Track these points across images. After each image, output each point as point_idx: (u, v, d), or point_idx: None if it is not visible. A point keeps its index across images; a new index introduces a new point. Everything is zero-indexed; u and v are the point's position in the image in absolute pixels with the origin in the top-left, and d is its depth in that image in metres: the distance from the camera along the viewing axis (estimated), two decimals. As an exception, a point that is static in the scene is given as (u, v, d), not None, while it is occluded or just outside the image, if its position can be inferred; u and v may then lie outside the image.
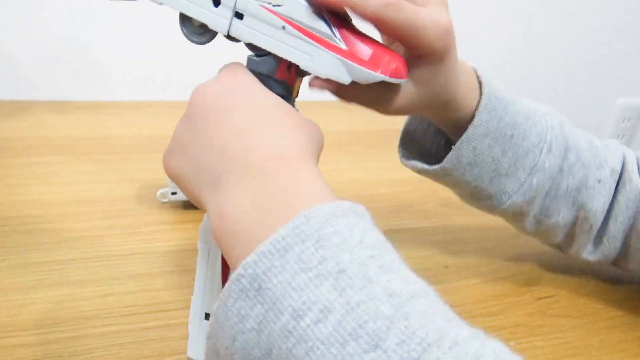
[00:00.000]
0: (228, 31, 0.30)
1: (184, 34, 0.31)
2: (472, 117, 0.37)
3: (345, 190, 0.60)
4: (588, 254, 0.43)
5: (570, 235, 0.43)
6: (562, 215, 0.42)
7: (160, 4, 0.30)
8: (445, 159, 0.39)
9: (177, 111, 0.30)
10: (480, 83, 0.38)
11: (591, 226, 0.42)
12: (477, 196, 0.41)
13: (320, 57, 0.28)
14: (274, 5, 0.28)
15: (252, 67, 0.30)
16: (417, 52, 0.32)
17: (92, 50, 0.78)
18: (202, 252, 0.31)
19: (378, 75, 0.28)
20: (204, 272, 0.31)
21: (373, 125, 0.81)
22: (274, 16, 0.28)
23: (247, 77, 0.29)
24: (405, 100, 0.34)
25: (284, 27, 0.28)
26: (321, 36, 0.28)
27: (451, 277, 0.46)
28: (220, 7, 0.29)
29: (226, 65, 0.31)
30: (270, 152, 0.25)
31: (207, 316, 0.31)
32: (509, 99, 0.39)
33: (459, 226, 0.55)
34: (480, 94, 0.38)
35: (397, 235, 0.51)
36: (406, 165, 0.42)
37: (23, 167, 0.56)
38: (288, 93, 0.31)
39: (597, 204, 0.41)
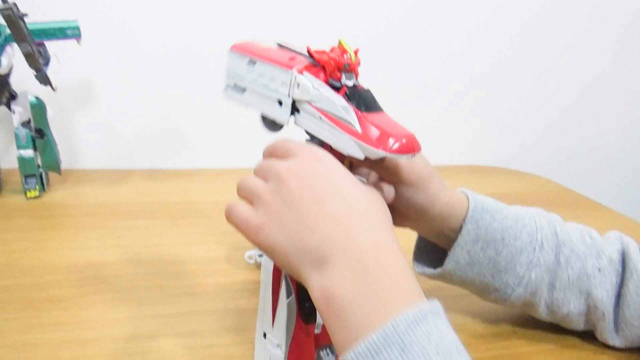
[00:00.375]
0: (288, 122, 0.39)
1: (264, 126, 0.41)
2: (461, 228, 0.44)
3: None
4: (613, 340, 0.47)
5: (590, 322, 0.47)
6: (574, 305, 0.46)
7: (247, 105, 0.41)
8: (445, 263, 0.45)
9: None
10: (467, 199, 0.45)
11: (603, 313, 0.46)
12: (486, 290, 0.47)
13: (342, 138, 0.36)
14: (315, 102, 0.37)
15: None
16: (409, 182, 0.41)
17: (182, 123, 0.89)
18: (262, 284, 0.39)
19: (379, 152, 0.34)
20: (263, 299, 0.39)
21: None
22: (314, 109, 0.37)
23: (332, 162, 0.34)
24: (405, 217, 0.43)
25: (320, 117, 0.37)
26: (344, 122, 0.36)
27: (520, 343, 0.48)
28: (282, 106, 0.39)
29: (298, 145, 0.36)
30: (370, 243, 0.30)
31: (264, 335, 0.39)
32: (495, 208, 0.45)
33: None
34: (468, 208, 0.44)
35: (463, 301, 0.54)
36: (419, 273, 0.49)
37: (131, 229, 0.65)
38: None
39: (602, 292, 0.45)
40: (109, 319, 0.47)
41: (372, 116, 0.36)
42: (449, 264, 0.45)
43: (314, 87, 0.36)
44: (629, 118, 1.13)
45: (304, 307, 0.38)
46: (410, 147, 0.34)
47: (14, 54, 0.67)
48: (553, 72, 1.05)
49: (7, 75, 0.69)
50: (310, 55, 0.37)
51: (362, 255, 0.30)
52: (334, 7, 0.89)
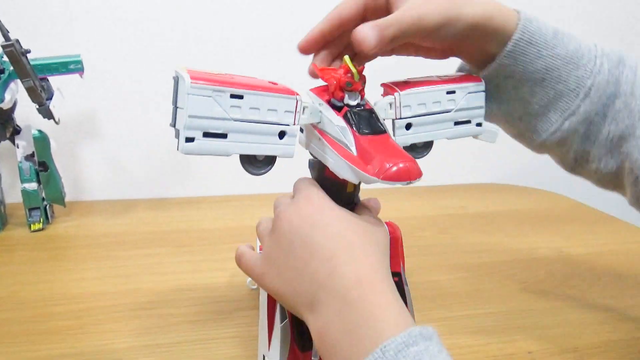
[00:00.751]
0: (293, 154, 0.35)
1: (249, 172, 0.36)
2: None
3: (421, 276, 0.62)
4: None
5: (619, 185, 0.42)
6: (604, 163, 0.41)
7: (228, 154, 0.34)
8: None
9: (259, 203, 0.36)
10: (517, 23, 0.38)
11: (637, 178, 0.39)
12: (511, 131, 0.44)
13: (337, 161, 0.34)
14: (317, 123, 0.36)
15: (310, 167, 0.38)
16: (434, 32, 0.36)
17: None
18: (261, 306, 0.39)
19: (371, 178, 0.32)
20: (261, 322, 0.39)
21: (445, 210, 0.84)
22: (315, 130, 0.36)
23: (321, 202, 0.34)
24: (444, 40, 0.38)
25: (319, 139, 0.36)
26: (341, 145, 0.34)
27: (535, 363, 0.46)
28: (285, 138, 0.35)
29: (299, 185, 0.36)
30: (353, 278, 0.30)
31: (264, 358, 0.39)
32: (547, 42, 0.38)
33: (539, 311, 0.55)
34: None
35: (477, 320, 0.52)
36: None
37: (133, 259, 0.64)
38: (337, 187, 0.37)
39: None
40: (107, 349, 0.46)
41: (371, 139, 0.34)
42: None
43: (318, 107, 0.35)
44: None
45: (301, 334, 0.36)
46: (406, 174, 0.32)
47: (18, 90, 0.68)
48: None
49: (11, 110, 0.70)
50: (316, 72, 0.36)
51: (345, 293, 0.30)
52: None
